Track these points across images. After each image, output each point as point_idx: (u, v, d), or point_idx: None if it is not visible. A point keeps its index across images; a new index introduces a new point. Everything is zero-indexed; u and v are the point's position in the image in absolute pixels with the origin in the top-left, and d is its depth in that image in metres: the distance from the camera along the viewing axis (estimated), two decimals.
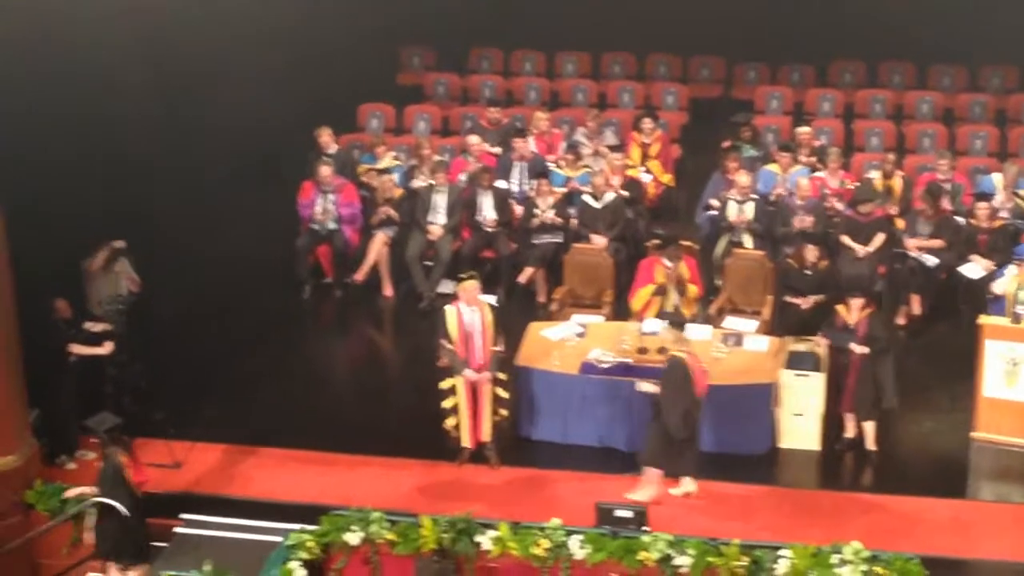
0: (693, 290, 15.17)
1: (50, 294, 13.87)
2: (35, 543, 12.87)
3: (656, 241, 15.79)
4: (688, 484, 13.39)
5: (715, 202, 17.21)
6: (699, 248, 16.52)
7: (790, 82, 21.56)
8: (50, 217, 15.80)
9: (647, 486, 13.31)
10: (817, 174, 17.58)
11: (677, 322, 13.47)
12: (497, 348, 13.72)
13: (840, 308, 14.01)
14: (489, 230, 17.14)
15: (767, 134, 19.58)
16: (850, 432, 13.98)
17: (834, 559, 11.88)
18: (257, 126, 18.77)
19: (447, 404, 13.77)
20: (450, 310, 13.73)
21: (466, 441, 13.81)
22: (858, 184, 17.21)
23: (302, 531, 12.46)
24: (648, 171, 18.50)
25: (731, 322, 15.50)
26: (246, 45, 19.21)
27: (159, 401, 13.83)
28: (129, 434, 13.67)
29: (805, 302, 15.53)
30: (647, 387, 13.25)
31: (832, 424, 14.04)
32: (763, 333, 15.13)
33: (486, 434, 13.79)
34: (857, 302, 13.85)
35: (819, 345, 14.28)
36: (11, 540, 12.63)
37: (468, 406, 13.72)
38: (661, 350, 14.11)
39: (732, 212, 16.75)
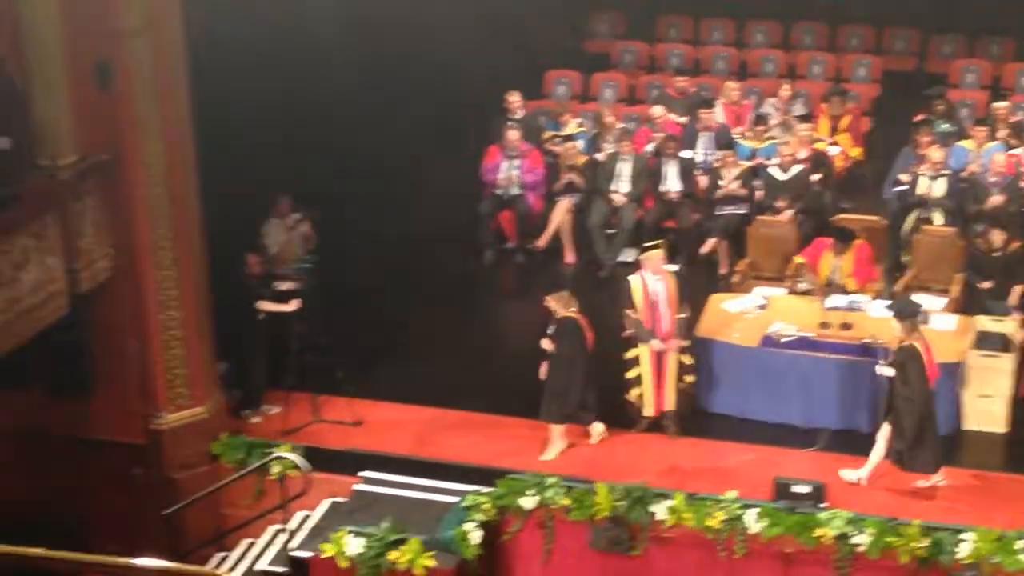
0: (851, 284, 14.86)
1: (241, 251, 14.17)
2: (219, 494, 13.20)
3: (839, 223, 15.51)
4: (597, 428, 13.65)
5: (905, 177, 16.84)
6: (887, 224, 16.23)
7: (987, 55, 20.96)
8: (242, 172, 16.12)
9: (553, 443, 13.51)
10: (1014, 151, 17.09)
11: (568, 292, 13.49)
12: (683, 315, 13.60)
13: None
14: (673, 199, 17.04)
15: (961, 108, 19.08)
16: None
17: (1019, 544, 11.63)
18: (445, 91, 18.95)
19: (631, 375, 13.68)
20: (635, 279, 13.63)
21: (649, 410, 13.73)
22: None
23: (478, 493, 12.59)
24: (836, 144, 18.20)
25: (918, 299, 15.17)
26: (437, 10, 19.38)
27: (341, 360, 14.06)
28: (313, 390, 14.04)
29: (989, 285, 15.07)
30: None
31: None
32: (951, 311, 14.80)
33: (670, 403, 13.68)
34: None
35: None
36: (199, 490, 12.97)
37: (653, 376, 13.61)
38: (844, 325, 13.93)
39: (922, 187, 16.36)
